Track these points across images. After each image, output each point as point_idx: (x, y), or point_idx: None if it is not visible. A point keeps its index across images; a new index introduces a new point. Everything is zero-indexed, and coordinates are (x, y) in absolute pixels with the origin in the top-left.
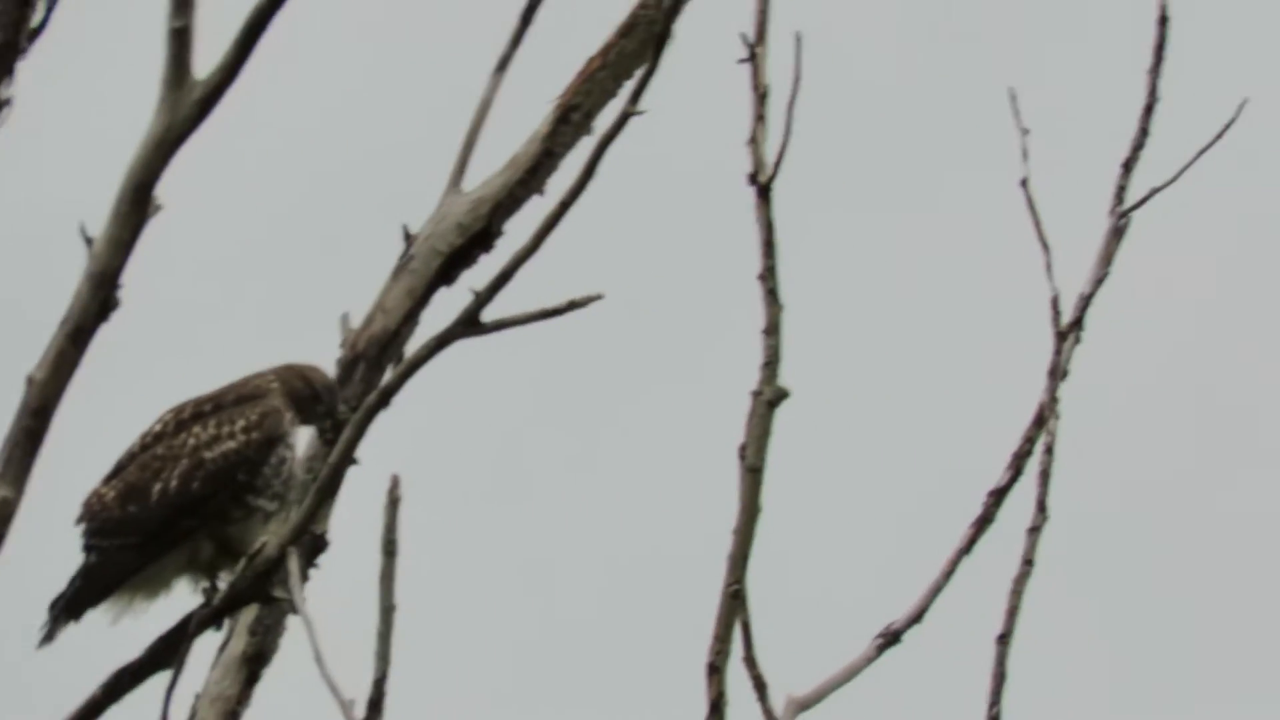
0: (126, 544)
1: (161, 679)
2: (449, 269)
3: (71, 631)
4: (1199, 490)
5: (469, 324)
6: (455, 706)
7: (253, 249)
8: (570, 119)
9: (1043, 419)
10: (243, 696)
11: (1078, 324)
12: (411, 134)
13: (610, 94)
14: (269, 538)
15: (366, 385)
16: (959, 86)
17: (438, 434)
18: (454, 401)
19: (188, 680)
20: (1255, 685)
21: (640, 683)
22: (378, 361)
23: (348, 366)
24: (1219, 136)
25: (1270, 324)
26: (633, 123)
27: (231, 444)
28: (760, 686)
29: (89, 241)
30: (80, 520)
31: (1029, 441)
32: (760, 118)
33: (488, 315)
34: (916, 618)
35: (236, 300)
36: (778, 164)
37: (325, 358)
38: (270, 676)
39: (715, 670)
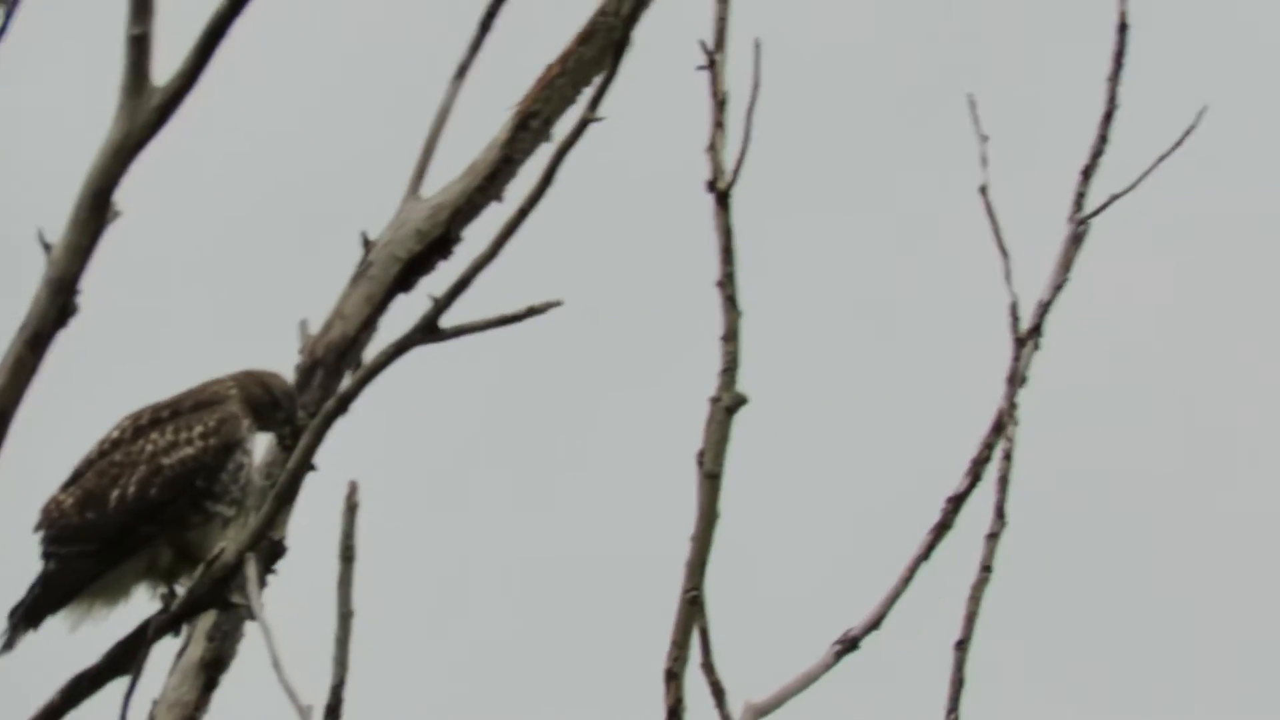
0: (85, 551)
1: (120, 685)
2: (408, 275)
3: (30, 638)
4: (1157, 495)
5: (427, 330)
6: (413, 712)
7: (212, 255)
8: (529, 126)
9: (1001, 425)
10: (201, 702)
11: (1036, 330)
12: (370, 140)
13: (569, 101)
14: (227, 544)
15: (325, 391)
16: (918, 93)
17: (396, 440)
18: (413, 408)
19: (146, 686)
20: (1214, 689)
21: (599, 689)
22: (336, 368)
23: (306, 373)
24: (1178, 144)
25: (1228, 330)
26: (592, 129)
27: (189, 450)
28: (718, 693)
29: (47, 248)
30: (39, 527)
31: (987, 447)
32: (719, 124)
33: (446, 322)
34: (874, 624)
35: (195, 306)
36: (736, 170)
37: (284, 364)
38: (228, 682)
39: (673, 676)
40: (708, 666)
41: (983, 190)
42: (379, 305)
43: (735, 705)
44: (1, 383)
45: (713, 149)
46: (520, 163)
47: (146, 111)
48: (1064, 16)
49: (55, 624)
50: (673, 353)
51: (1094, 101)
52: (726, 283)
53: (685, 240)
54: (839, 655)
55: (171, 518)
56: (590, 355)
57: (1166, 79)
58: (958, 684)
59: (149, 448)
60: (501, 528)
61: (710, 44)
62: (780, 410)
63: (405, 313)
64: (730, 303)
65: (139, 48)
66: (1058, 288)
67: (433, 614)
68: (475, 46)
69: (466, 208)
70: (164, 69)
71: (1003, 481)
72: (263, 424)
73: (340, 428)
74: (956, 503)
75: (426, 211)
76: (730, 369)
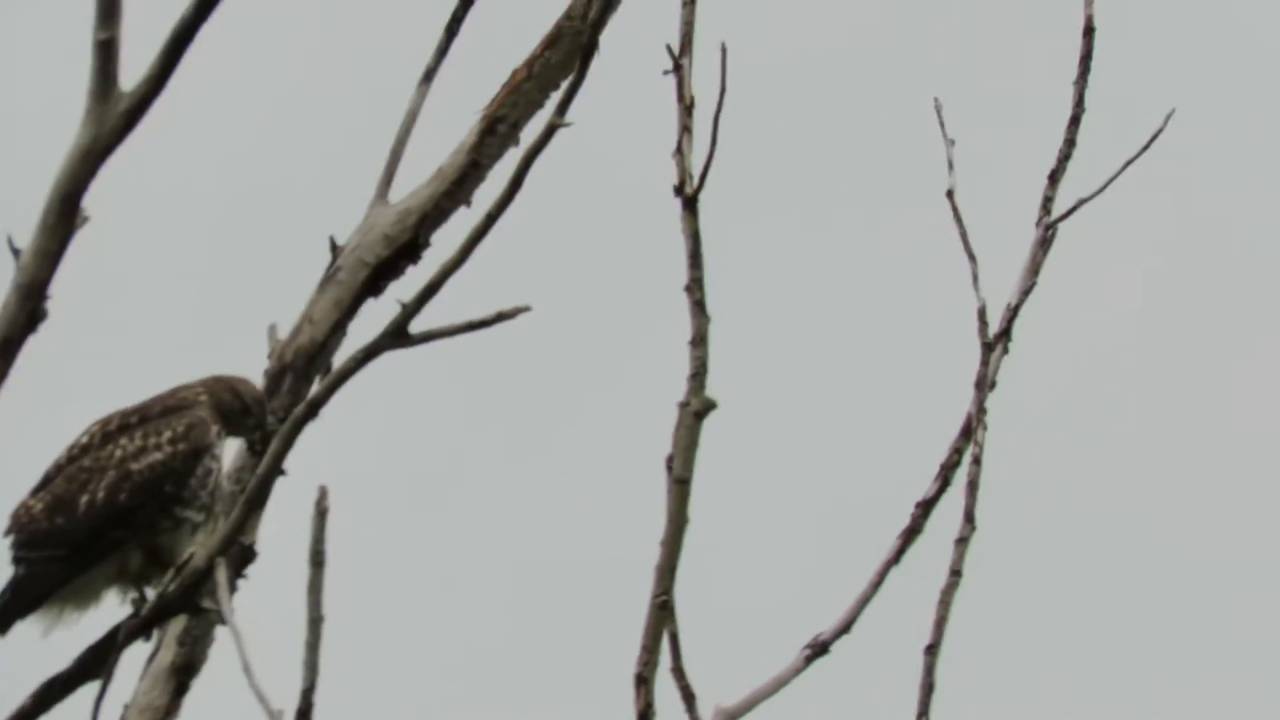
0: (55, 556)
1: (91, 689)
2: (376, 280)
3: (0, 643)
4: (1126, 498)
5: (396, 335)
6: (384, 717)
7: (181, 260)
8: (496, 130)
9: (970, 430)
10: (171, 707)
11: (1005, 335)
12: (338, 145)
13: (536, 105)
14: (198, 549)
15: (294, 396)
16: (885, 97)
17: (366, 445)
18: (382, 413)
19: (117, 691)
20: (1183, 690)
21: (569, 693)
22: (305, 373)
23: (275, 378)
24: (1146, 147)
25: (1197, 334)
26: (559, 134)
27: (158, 455)
28: (688, 697)
29: (16, 253)
30: (8, 532)
31: (956, 452)
32: (686, 129)
33: (415, 327)
34: (844, 628)
35: (164, 312)
36: (703, 175)
37: (253, 369)
38: (199, 687)
39: (643, 681)
40: (678, 671)
41: (950, 194)
42: (348, 310)
43: (705, 710)
44: None
45: (680, 153)
46: (488, 167)
47: (114, 116)
48: (1031, 20)
49: (26, 629)
50: (641, 358)
51: (1062, 105)
52: (694, 287)
53: (653, 245)
54: (809, 660)
55: (141, 523)
56: (559, 360)
57: (1134, 83)
58: (928, 688)
59: (118, 453)
60: (471, 533)
61: (676, 48)
62: (749, 415)
63: (374, 318)
64: (698, 307)
65: (106, 53)
66: (1026, 292)
67: (402, 618)
68: (442, 51)
69: (434, 213)
70: (131, 74)
71: (972, 486)
72: (232, 429)
73: (310, 433)
74: (926, 507)
75: (394, 216)
76: (699, 374)
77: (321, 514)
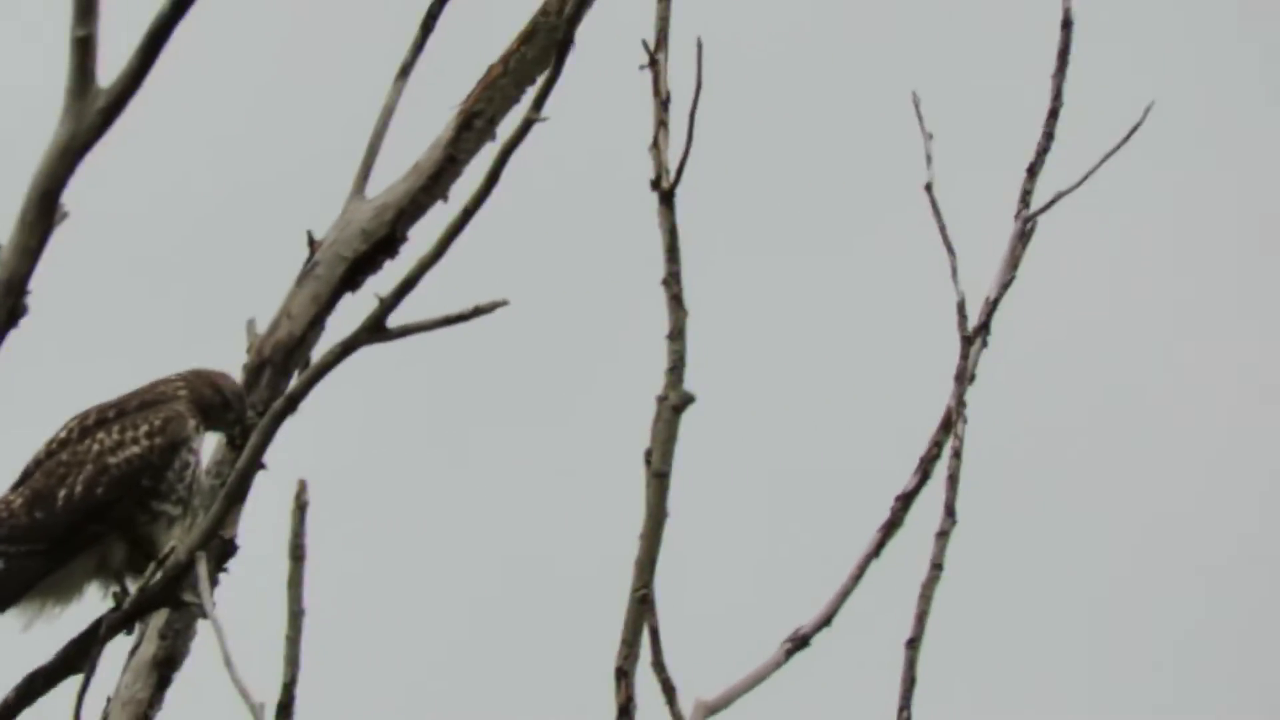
0: (34, 550)
1: (73, 683)
2: (354, 275)
3: None
4: (1104, 491)
5: (374, 330)
6: (364, 711)
7: (159, 255)
8: (473, 125)
9: (950, 423)
10: (154, 700)
11: (984, 328)
12: (315, 141)
13: (513, 100)
14: (178, 542)
15: (273, 391)
16: (862, 90)
17: (344, 440)
18: (360, 407)
19: (99, 684)
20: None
21: (549, 688)
22: (284, 367)
23: (254, 372)
24: (1125, 140)
25: (1175, 327)
26: (535, 129)
27: (135, 449)
28: (669, 691)
29: None
30: None
31: (936, 445)
32: (662, 123)
33: (393, 321)
34: (825, 622)
35: (143, 307)
36: (680, 169)
37: (232, 363)
38: (180, 680)
39: (623, 675)
40: (658, 665)
41: (928, 188)
42: (326, 305)
43: (686, 703)
44: None
45: (656, 148)
46: (464, 162)
47: (92, 113)
48: (1008, 13)
49: (7, 623)
50: (619, 352)
51: (1040, 99)
52: (671, 281)
53: (630, 239)
54: (790, 653)
55: (119, 517)
56: (537, 355)
57: (1112, 76)
58: (909, 682)
59: (95, 447)
60: (449, 526)
61: (652, 43)
62: (727, 409)
63: (352, 312)
64: (676, 301)
65: (84, 49)
66: (1005, 285)
67: (381, 612)
68: (418, 47)
69: (411, 207)
70: (109, 70)
71: (952, 479)
72: (211, 423)
73: (288, 427)
74: (906, 501)
75: (372, 211)
76: (677, 367)
77: (301, 508)
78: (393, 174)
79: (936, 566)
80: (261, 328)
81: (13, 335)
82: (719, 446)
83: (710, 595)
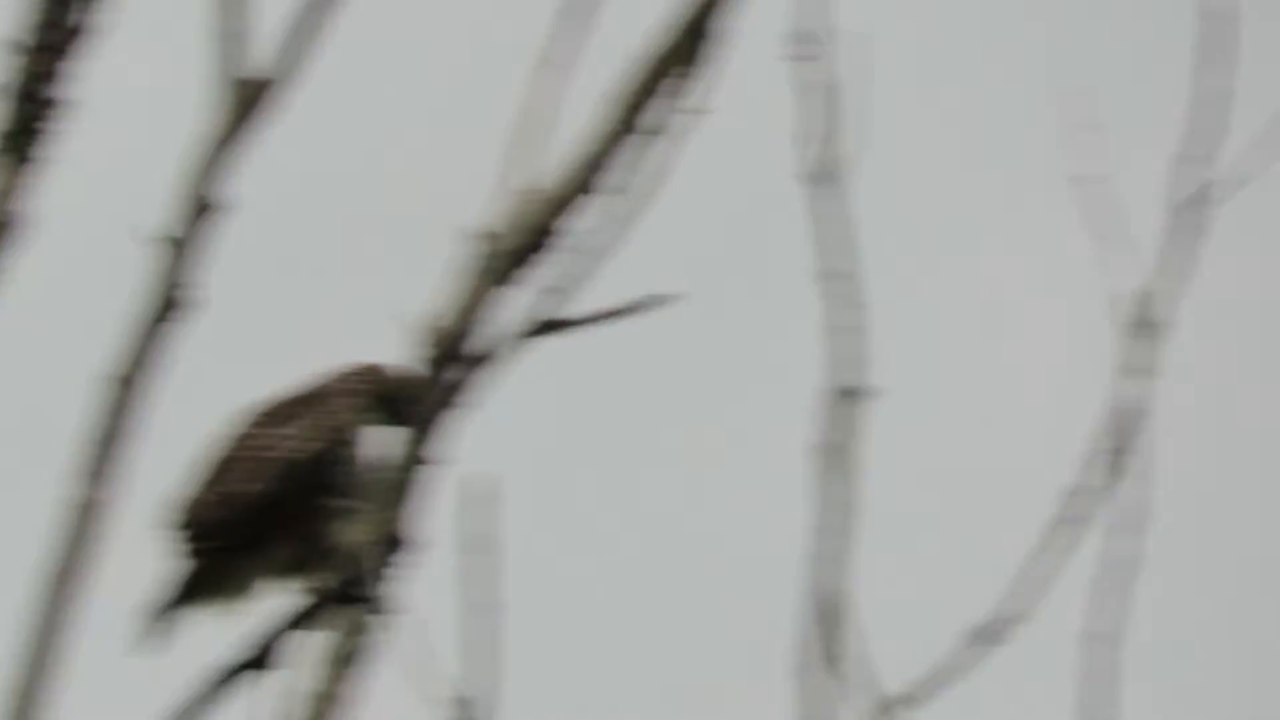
0: (215, 547)
1: (255, 678)
2: (517, 269)
3: (166, 635)
4: None
5: (542, 324)
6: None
7: (323, 248)
8: (634, 117)
9: (1140, 416)
10: (339, 695)
11: (1168, 321)
12: (477, 133)
13: (668, 91)
14: (357, 538)
15: (444, 384)
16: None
17: (516, 434)
18: (530, 401)
19: (281, 680)
20: None
21: (734, 683)
22: (453, 361)
23: (426, 365)
24: None
25: None
26: (693, 120)
27: (308, 443)
28: (850, 685)
29: (157, 242)
30: (166, 525)
31: (1125, 440)
32: (820, 115)
33: (559, 315)
34: (1010, 616)
35: (310, 301)
36: (839, 162)
37: (403, 357)
38: (365, 675)
39: (806, 670)
40: (842, 659)
41: (1097, 180)
42: (492, 299)
43: (868, 698)
44: (121, 377)
45: (811, 141)
46: (624, 155)
47: (244, 105)
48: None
49: (190, 620)
50: (789, 346)
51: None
52: (833, 275)
53: (796, 232)
54: (973, 647)
55: (296, 512)
56: (705, 348)
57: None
58: (1104, 678)
59: (269, 442)
60: (629, 521)
61: (806, 36)
62: (902, 402)
63: (518, 307)
64: (839, 295)
65: (234, 42)
66: (1185, 277)
67: (561, 608)
68: (573, 37)
69: (574, 200)
70: (259, 62)
71: (1144, 475)
72: (384, 417)
73: (462, 420)
74: (1095, 495)
75: (538, 204)
76: (849, 362)
77: (481, 502)
78: (554, 167)
79: (1131, 561)
80: (431, 321)
81: (173, 330)
82: (896, 439)
83: (893, 589)
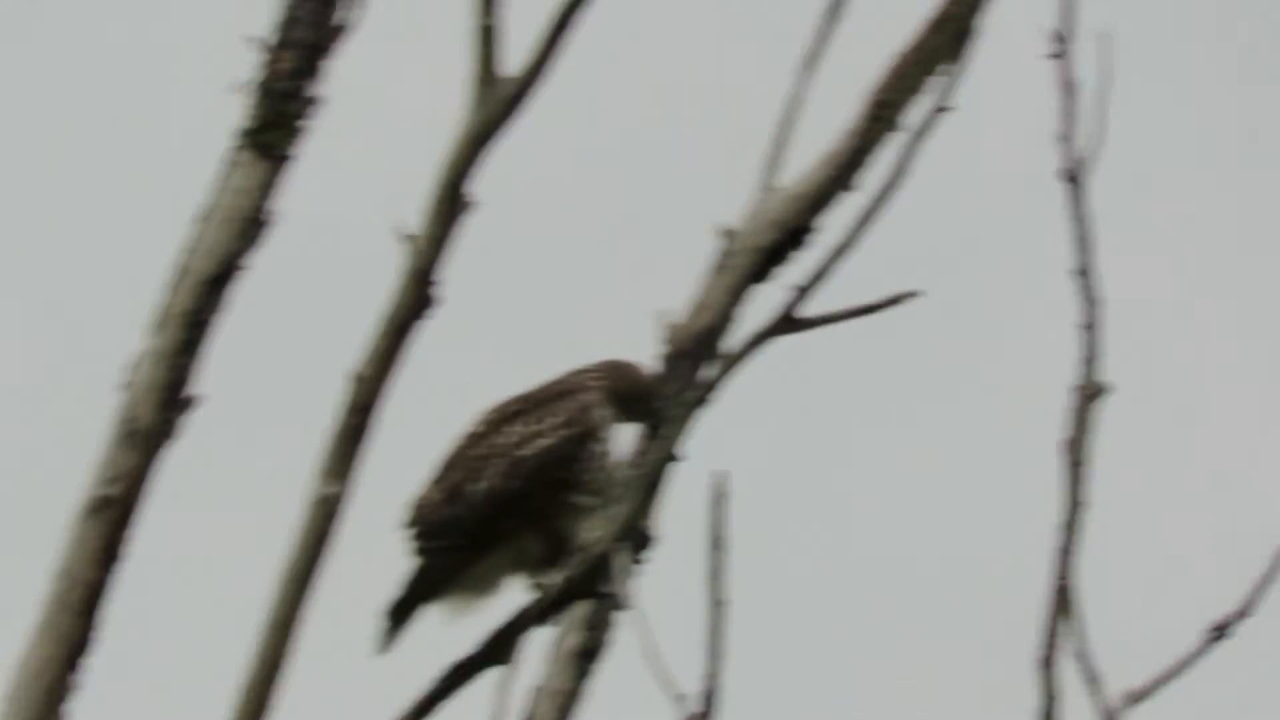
0: (453, 545)
1: (495, 674)
2: (765, 266)
3: (405, 632)
4: None
5: (787, 321)
6: (785, 701)
7: (568, 245)
8: (881, 115)
9: None
10: (577, 691)
11: None
12: (725, 130)
13: (920, 89)
14: (596, 534)
15: (686, 381)
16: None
17: (757, 430)
18: (773, 397)
19: (522, 675)
20: None
21: (969, 679)
22: (697, 358)
23: (668, 362)
24: None
25: None
26: (943, 118)
27: (547, 441)
28: (1092, 680)
29: (406, 239)
30: (406, 523)
31: None
32: (1070, 113)
33: (804, 312)
34: (1245, 611)
35: (554, 297)
36: (1089, 159)
37: (645, 355)
38: (602, 671)
39: (1046, 664)
40: (1080, 654)
41: None
42: (738, 295)
43: (1109, 693)
44: (367, 373)
45: (1064, 137)
46: (873, 152)
47: (497, 102)
48: None
49: (429, 617)
50: (1030, 342)
51: None
52: (1083, 271)
53: (1038, 229)
54: (1210, 642)
55: (534, 509)
56: (946, 345)
57: None
58: None
59: (509, 440)
60: (865, 518)
61: (1059, 32)
62: (1141, 398)
63: (763, 303)
64: (1088, 291)
65: (488, 39)
66: None
67: (795, 604)
68: (825, 35)
69: (821, 198)
70: (514, 59)
71: None
72: (625, 415)
73: (704, 417)
74: None
75: (782, 202)
76: (1090, 358)
77: (720, 498)
78: (802, 164)
79: None
80: (674, 319)
81: (424, 325)
82: (1133, 436)
83: (1129, 584)
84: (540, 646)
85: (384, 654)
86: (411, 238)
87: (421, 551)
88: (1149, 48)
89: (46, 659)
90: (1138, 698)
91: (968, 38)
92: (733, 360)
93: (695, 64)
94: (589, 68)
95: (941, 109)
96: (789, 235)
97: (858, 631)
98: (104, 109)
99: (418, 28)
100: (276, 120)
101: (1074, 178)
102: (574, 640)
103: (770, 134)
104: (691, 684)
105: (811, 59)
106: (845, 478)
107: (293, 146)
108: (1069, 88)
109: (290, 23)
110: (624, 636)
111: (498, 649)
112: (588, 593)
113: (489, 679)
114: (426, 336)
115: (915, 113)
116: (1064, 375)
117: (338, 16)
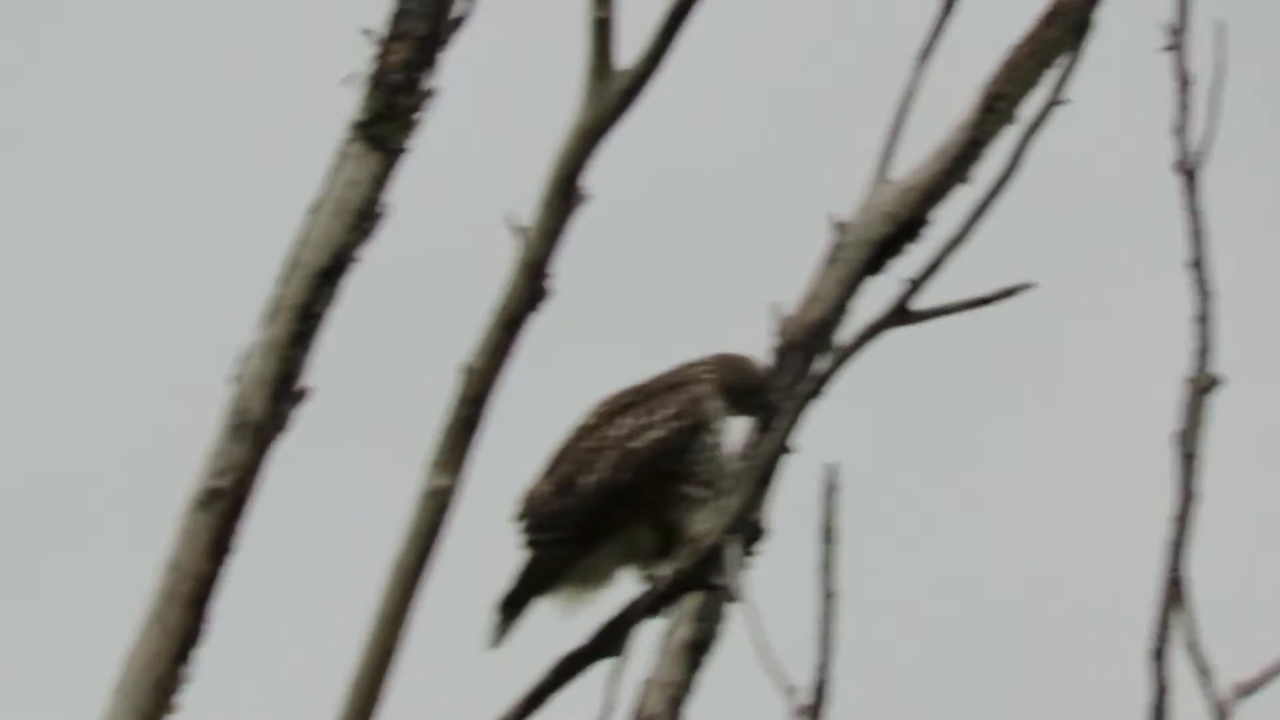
0: (564, 537)
1: (607, 665)
2: (878, 258)
3: (518, 624)
4: None
5: (900, 313)
6: (896, 693)
7: (681, 237)
8: (996, 108)
9: None
10: (688, 683)
11: None
12: (836, 122)
13: (1034, 83)
14: (708, 525)
15: (799, 374)
16: None
17: (870, 422)
18: (885, 390)
19: (633, 667)
20: None
21: (1079, 671)
22: (810, 350)
23: (781, 355)
24: None
25: None
26: (1057, 111)
27: (658, 433)
28: (1204, 672)
29: (520, 231)
30: (517, 516)
31: None
32: (1184, 106)
33: (918, 304)
34: None
35: (667, 289)
36: (1203, 152)
37: (757, 347)
38: (714, 663)
39: (1158, 656)
40: (1193, 646)
41: None
42: (851, 288)
43: (1220, 685)
44: (479, 366)
45: (1179, 130)
46: (987, 145)
47: (612, 95)
48: None
49: (541, 609)
50: (1143, 334)
51: None
52: (1197, 264)
53: (1152, 222)
54: None
55: (645, 501)
56: (1060, 337)
57: None
58: None
59: (619, 432)
60: (972, 509)
61: (1173, 25)
62: (1254, 391)
63: (876, 296)
64: (1201, 284)
65: (603, 32)
66: None
67: (906, 595)
68: (939, 28)
69: (935, 190)
70: (628, 53)
71: None
72: (737, 407)
73: (817, 410)
74: None
75: (895, 194)
76: (1203, 350)
77: (832, 491)
78: (915, 157)
79: None
80: (787, 311)
81: (537, 318)
82: (1246, 428)
83: (1242, 576)
84: (651, 639)
85: (495, 647)
86: (524, 230)
87: (532, 544)
88: (1263, 40)
89: (156, 652)
90: (1249, 690)
91: (1082, 31)
92: (845, 353)
93: (809, 57)
94: (703, 61)
95: (1056, 102)
96: (902, 228)
97: (968, 623)
98: (219, 102)
99: (532, 20)
100: (389, 113)
101: (1188, 170)
102: (685, 632)
103: (884, 126)
104: (802, 676)
105: (926, 52)
106: (957, 470)
107: (405, 139)
108: (1183, 80)
109: (403, 15)
110: (735, 629)
111: (608, 641)
112: (699, 585)
113: (600, 671)
114: (539, 329)
115: (1029, 106)
116: (1177, 367)
117: (451, 9)
